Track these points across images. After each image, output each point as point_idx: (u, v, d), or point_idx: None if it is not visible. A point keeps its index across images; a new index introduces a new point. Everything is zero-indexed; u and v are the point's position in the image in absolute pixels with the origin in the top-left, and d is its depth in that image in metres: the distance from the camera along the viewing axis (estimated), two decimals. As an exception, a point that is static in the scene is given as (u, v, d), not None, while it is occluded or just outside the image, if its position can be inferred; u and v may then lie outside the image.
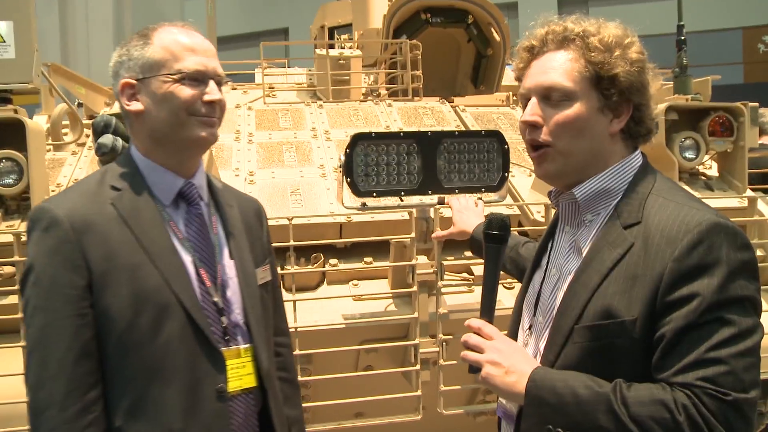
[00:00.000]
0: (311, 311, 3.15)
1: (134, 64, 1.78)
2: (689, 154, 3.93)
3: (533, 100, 1.64)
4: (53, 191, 3.57)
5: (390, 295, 3.23)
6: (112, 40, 15.44)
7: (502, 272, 2.38)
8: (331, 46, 6.75)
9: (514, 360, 1.57)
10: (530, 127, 1.64)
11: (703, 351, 1.39)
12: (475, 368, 1.62)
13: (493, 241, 1.76)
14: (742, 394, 1.37)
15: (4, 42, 3.52)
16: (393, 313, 3.15)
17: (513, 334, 1.82)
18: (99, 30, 15.39)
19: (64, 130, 4.41)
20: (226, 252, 1.91)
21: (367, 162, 2.86)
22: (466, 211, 2.68)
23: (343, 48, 6.52)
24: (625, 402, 1.40)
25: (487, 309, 1.72)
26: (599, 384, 1.45)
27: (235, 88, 5.37)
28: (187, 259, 1.79)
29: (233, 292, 1.89)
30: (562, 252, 1.71)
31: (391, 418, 3.12)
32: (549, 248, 1.79)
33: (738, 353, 1.39)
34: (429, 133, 2.93)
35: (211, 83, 1.79)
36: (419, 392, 3.01)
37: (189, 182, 1.86)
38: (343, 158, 2.81)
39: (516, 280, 2.73)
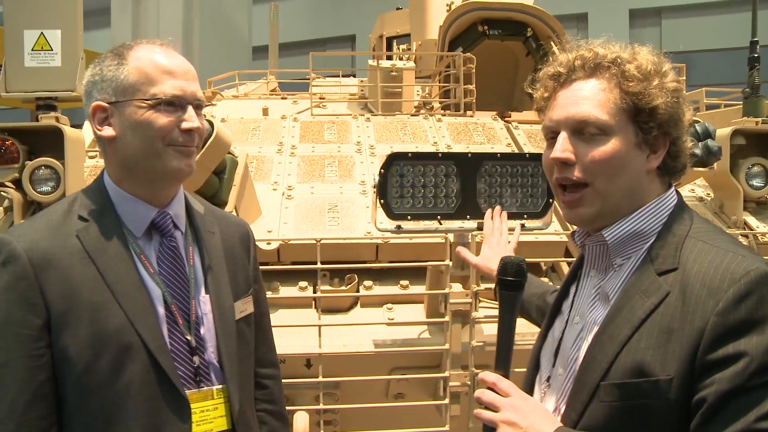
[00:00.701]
0: (341, 335, 3.04)
1: (107, 86, 1.65)
2: (757, 182, 3.68)
3: (563, 135, 1.46)
4: (91, 199, 3.57)
5: (423, 322, 3.08)
6: (180, 45, 15.81)
7: (528, 321, 2.21)
8: (389, 57, 6.69)
9: (532, 419, 1.41)
10: (560, 165, 1.47)
11: (752, 420, 1.21)
12: (490, 428, 1.46)
13: (508, 288, 1.59)
14: None
15: (52, 50, 3.54)
16: (425, 341, 3.02)
17: (529, 386, 1.66)
18: (169, 34, 15.76)
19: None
20: (201, 286, 1.79)
21: (402, 183, 2.74)
22: (497, 248, 2.48)
23: (401, 59, 6.44)
24: None
25: (503, 362, 1.56)
26: None
27: (285, 98, 5.34)
28: (157, 295, 1.68)
29: (207, 329, 1.76)
30: (587, 298, 1.54)
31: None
32: (572, 293, 1.62)
33: None
34: (469, 155, 2.79)
35: (190, 109, 1.67)
36: (447, 427, 2.86)
37: (163, 212, 1.74)
38: (377, 178, 2.69)
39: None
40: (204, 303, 1.77)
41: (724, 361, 1.25)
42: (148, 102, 1.62)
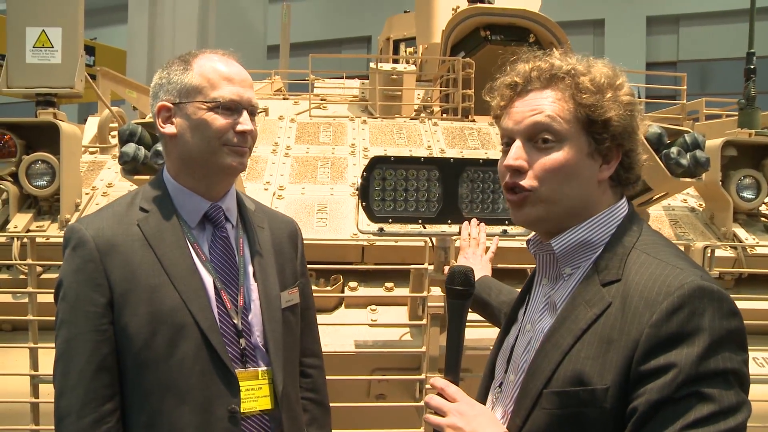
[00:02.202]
0: (324, 334, 3.06)
1: (172, 88, 1.81)
2: (748, 194, 3.68)
3: (517, 143, 1.48)
4: (87, 194, 3.64)
5: (404, 324, 3.11)
6: (195, 42, 15.87)
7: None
8: (395, 61, 6.72)
9: (476, 424, 1.44)
10: (512, 171, 1.49)
11: (677, 429, 1.23)
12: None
13: (455, 297, 1.62)
14: None
15: (52, 47, 3.62)
16: (405, 344, 3.05)
17: (484, 390, 1.68)
18: (184, 31, 15.86)
19: (113, 133, 4.51)
20: (250, 274, 1.93)
21: (384, 186, 2.77)
22: (473, 258, 2.51)
23: (407, 62, 6.46)
24: None
25: (452, 368, 1.59)
26: None
27: (287, 98, 5.38)
28: (209, 281, 1.82)
29: (254, 314, 1.90)
30: (537, 307, 1.57)
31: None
32: (526, 301, 1.65)
33: None
34: (451, 160, 2.81)
35: (244, 113, 1.82)
36: (422, 429, 2.89)
37: (215, 205, 1.89)
38: (359, 181, 2.72)
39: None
40: (252, 290, 1.92)
41: (655, 372, 1.26)
42: (208, 104, 1.78)
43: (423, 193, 2.79)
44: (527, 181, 1.46)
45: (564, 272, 1.51)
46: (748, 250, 3.50)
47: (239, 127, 1.80)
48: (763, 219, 3.82)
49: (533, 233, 1.62)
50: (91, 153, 4.19)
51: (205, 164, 1.82)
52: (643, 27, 20.06)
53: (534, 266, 3.23)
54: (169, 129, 1.82)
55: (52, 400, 1.73)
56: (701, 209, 3.92)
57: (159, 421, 1.74)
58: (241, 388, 1.81)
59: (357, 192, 2.73)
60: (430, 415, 1.51)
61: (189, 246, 1.83)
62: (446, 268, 2.65)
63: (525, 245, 3.30)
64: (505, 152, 1.52)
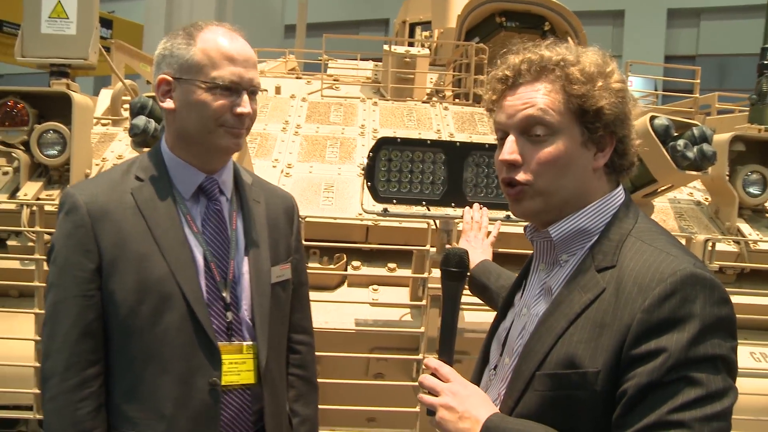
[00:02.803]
0: (326, 312, 3.11)
1: (174, 62, 1.80)
2: (754, 190, 3.67)
3: (511, 137, 1.50)
4: (97, 165, 3.68)
5: (404, 305, 3.14)
6: (213, 19, 15.85)
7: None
8: (410, 44, 6.70)
9: (468, 405, 1.47)
10: (508, 166, 1.50)
11: (665, 412, 1.25)
12: (431, 411, 1.53)
13: (450, 278, 1.66)
14: None
15: (68, 18, 3.64)
16: (404, 324, 3.08)
17: (479, 372, 1.71)
18: (202, 7, 15.84)
19: (125, 106, 4.54)
20: (242, 248, 1.92)
21: (390, 167, 2.80)
22: (475, 242, 2.53)
23: (423, 46, 6.45)
24: None
25: (446, 349, 1.63)
26: None
27: (299, 77, 5.40)
28: (198, 252, 1.83)
29: (243, 288, 1.90)
30: (534, 292, 1.59)
31: (394, 430, 3.05)
32: (523, 286, 1.67)
33: (704, 417, 1.24)
34: (457, 144, 2.83)
35: (244, 95, 1.80)
36: (418, 408, 2.93)
37: (210, 178, 1.89)
38: (365, 161, 2.75)
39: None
40: (242, 264, 1.91)
41: (645, 356, 1.29)
42: (207, 84, 1.76)
43: (428, 176, 2.81)
44: (522, 176, 1.48)
45: (561, 258, 1.53)
46: (751, 245, 3.50)
47: (238, 110, 1.78)
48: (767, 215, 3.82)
49: (528, 223, 1.65)
50: (103, 125, 4.22)
51: (202, 142, 1.82)
52: (664, 19, 19.82)
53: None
54: (168, 104, 1.81)
55: None
56: (707, 203, 3.91)
57: (140, 388, 1.77)
58: (224, 361, 1.82)
59: (363, 172, 2.75)
60: (423, 394, 1.54)
61: (181, 217, 1.83)
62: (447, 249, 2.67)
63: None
64: (501, 146, 1.53)
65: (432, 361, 1.58)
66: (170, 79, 1.80)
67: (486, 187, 2.83)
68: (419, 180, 2.81)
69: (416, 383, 2.96)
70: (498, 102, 1.55)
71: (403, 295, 3.26)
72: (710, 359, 1.27)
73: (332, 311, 3.12)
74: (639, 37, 19.24)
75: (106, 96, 4.62)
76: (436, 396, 1.51)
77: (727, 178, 3.65)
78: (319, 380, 2.90)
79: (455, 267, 1.66)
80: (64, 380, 1.72)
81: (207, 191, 1.88)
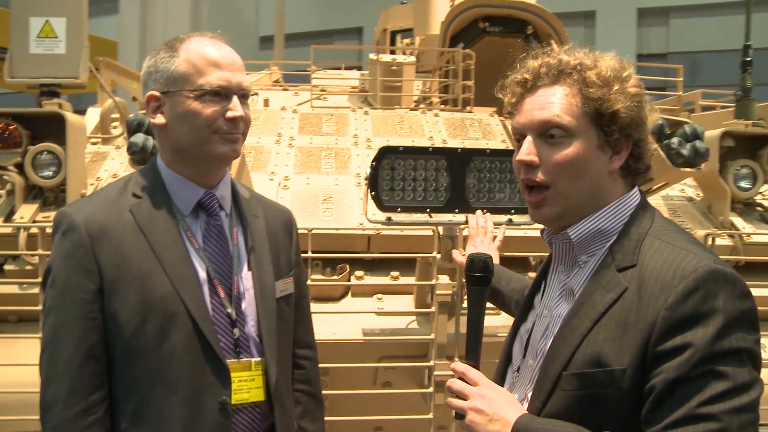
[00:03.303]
0: (332, 323, 3.11)
1: (160, 77, 1.77)
2: (744, 184, 3.74)
3: (528, 138, 1.53)
4: (92, 184, 3.65)
5: (411, 312, 3.15)
6: (188, 28, 15.82)
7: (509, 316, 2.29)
8: (392, 52, 6.74)
9: (498, 407, 1.49)
10: (525, 167, 1.53)
11: (694, 406, 1.28)
12: (460, 415, 1.54)
13: (475, 283, 1.66)
14: None
15: (56, 37, 3.62)
16: (412, 331, 3.09)
17: (501, 375, 1.73)
18: (176, 26, 15.77)
19: (114, 124, 4.51)
20: (244, 264, 1.89)
21: (393, 176, 2.81)
22: (481, 246, 2.56)
23: (404, 53, 6.48)
24: None
25: (473, 353, 1.63)
26: None
27: (286, 89, 5.40)
28: (201, 269, 1.78)
29: (248, 304, 1.86)
30: (554, 294, 1.61)
31: (407, 437, 3.06)
32: (542, 288, 1.70)
33: (732, 409, 1.28)
34: (459, 150, 2.85)
35: (234, 99, 1.76)
36: (431, 415, 2.94)
37: (209, 193, 1.85)
38: (369, 171, 2.76)
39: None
40: (246, 279, 1.88)
41: (671, 352, 1.31)
42: (195, 92, 1.73)
43: (431, 183, 2.83)
44: (540, 176, 1.51)
45: (580, 259, 1.55)
46: (745, 238, 3.56)
47: (229, 114, 1.74)
48: (759, 208, 3.89)
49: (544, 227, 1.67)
50: (93, 143, 4.19)
51: (197, 154, 1.78)
52: (634, 19, 20.14)
53: (538, 254, 3.28)
54: (159, 119, 1.78)
55: None
56: (699, 199, 3.98)
57: (147, 411, 1.70)
58: (233, 379, 1.78)
59: (366, 181, 2.76)
60: (452, 399, 1.55)
61: (182, 234, 1.79)
62: (455, 255, 2.69)
63: (527, 234, 3.36)
64: (518, 148, 1.56)
65: (459, 365, 1.59)
66: (158, 94, 1.77)
67: (488, 192, 2.86)
68: (422, 187, 2.83)
69: (426, 390, 2.97)
70: (517, 105, 1.58)
71: (407, 302, 3.27)
72: (735, 352, 1.30)
73: (339, 322, 3.12)
74: (611, 36, 19.48)
75: (93, 114, 4.58)
76: (465, 400, 1.52)
77: (718, 173, 3.71)
78: (328, 391, 2.91)
79: (480, 272, 1.67)
80: (68, 408, 1.64)
81: (206, 207, 1.85)
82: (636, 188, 1.58)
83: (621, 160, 1.52)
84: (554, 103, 1.50)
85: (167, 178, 1.83)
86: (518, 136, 1.57)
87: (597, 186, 1.52)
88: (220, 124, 1.74)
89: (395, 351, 3.12)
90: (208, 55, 1.74)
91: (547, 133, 1.50)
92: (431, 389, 2.95)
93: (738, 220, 3.69)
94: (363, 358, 3.05)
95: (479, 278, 1.67)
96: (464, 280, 1.62)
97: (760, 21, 4.36)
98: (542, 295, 1.68)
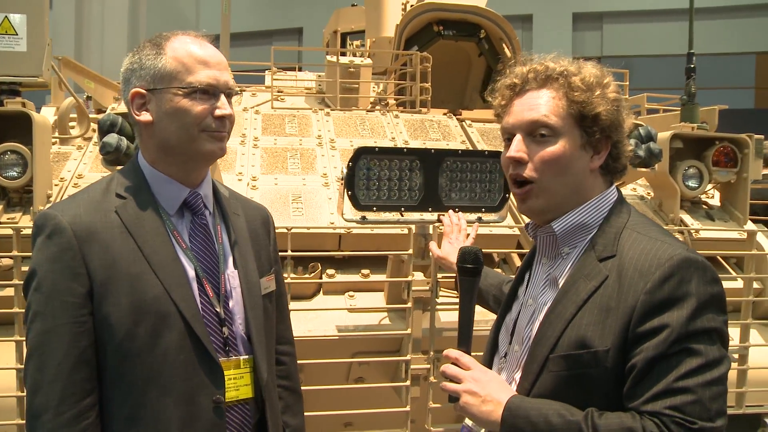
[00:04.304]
0: (306, 320, 3.16)
1: (146, 74, 1.75)
2: (692, 183, 3.95)
3: (518, 137, 1.67)
4: (56, 185, 3.59)
5: (385, 308, 3.23)
6: (126, 36, 15.47)
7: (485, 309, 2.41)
8: (344, 53, 6.79)
9: (490, 389, 1.61)
10: (514, 163, 1.67)
11: (671, 380, 1.43)
12: (454, 398, 1.66)
13: (467, 274, 1.80)
14: (709, 423, 1.41)
15: (17, 35, 3.55)
16: (386, 327, 3.16)
17: (488, 361, 1.85)
18: (113, 24, 15.42)
19: (71, 124, 4.43)
20: (230, 262, 1.89)
21: (369, 176, 2.87)
22: (456, 243, 2.68)
23: (355, 55, 6.55)
24: (596, 430, 1.44)
25: (465, 340, 1.76)
26: (572, 413, 1.49)
27: (243, 90, 5.39)
28: (190, 269, 1.78)
29: (236, 302, 1.87)
30: (539, 283, 1.75)
31: (380, 431, 3.13)
32: (526, 279, 1.82)
33: (705, 383, 1.43)
34: (432, 151, 2.94)
35: (222, 97, 1.76)
36: (408, 408, 3.02)
37: (194, 192, 1.84)
38: (345, 171, 2.82)
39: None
40: (233, 278, 1.88)
41: (651, 332, 1.46)
42: (184, 90, 1.72)
43: (405, 182, 2.91)
44: (528, 172, 1.65)
45: (563, 251, 1.70)
46: (694, 234, 3.77)
47: (218, 112, 1.74)
48: (704, 206, 4.11)
49: (529, 221, 1.80)
50: (53, 143, 4.11)
51: (185, 151, 1.77)
52: (570, 23, 20.76)
53: (503, 251, 3.41)
54: (145, 117, 1.76)
55: None
56: (650, 197, 4.18)
57: (142, 414, 1.68)
58: (224, 377, 1.78)
59: (342, 181, 2.82)
60: (447, 383, 1.68)
61: (169, 233, 1.77)
62: (432, 247, 2.78)
63: (492, 232, 3.47)
64: (507, 147, 1.70)
65: (452, 351, 1.72)
66: (144, 91, 1.75)
67: (460, 191, 2.97)
68: (397, 187, 2.91)
69: (403, 384, 3.05)
70: (506, 107, 1.73)
71: (378, 299, 3.34)
72: (707, 332, 1.47)
73: (312, 319, 3.17)
74: (547, 39, 20.05)
75: (48, 113, 4.49)
76: (459, 383, 1.65)
77: (669, 173, 3.91)
78: (305, 387, 2.95)
79: (471, 263, 1.80)
80: (59, 414, 1.61)
81: (191, 206, 1.84)
82: (614, 186, 1.73)
83: (601, 159, 1.66)
84: (542, 104, 1.64)
85: (151, 178, 1.82)
86: (507, 136, 1.71)
87: (579, 182, 1.65)
88: (208, 122, 1.74)
89: (369, 347, 3.18)
90: (196, 53, 1.75)
91: (536, 132, 1.64)
92: (408, 383, 3.03)
93: (687, 217, 3.90)
94: (337, 354, 3.10)
95: (471, 269, 1.80)
96: (453, 273, 1.71)
97: (696, 29, 4.59)
98: (527, 286, 1.81)
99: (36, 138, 3.23)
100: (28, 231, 3.01)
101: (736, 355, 3.33)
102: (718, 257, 3.82)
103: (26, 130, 3.27)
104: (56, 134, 4.23)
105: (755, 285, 3.59)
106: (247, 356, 1.87)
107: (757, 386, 3.43)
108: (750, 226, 3.92)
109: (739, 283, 3.53)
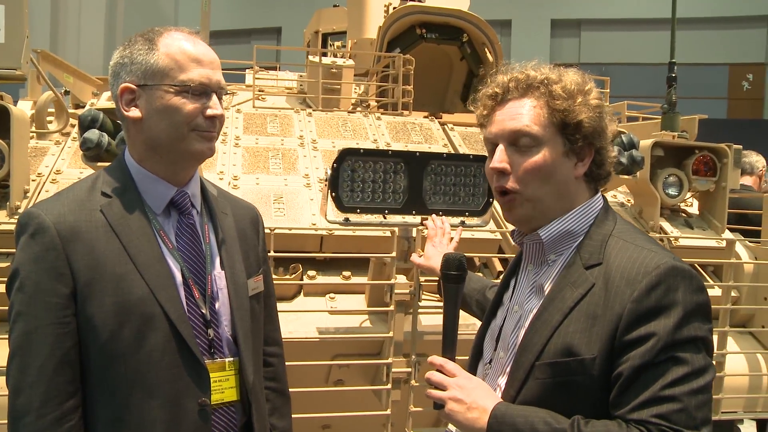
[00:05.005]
0: (286, 322, 3.12)
1: (136, 69, 1.72)
2: (672, 191, 4.00)
3: (501, 147, 1.66)
4: (33, 180, 3.53)
5: (367, 311, 3.21)
6: (103, 30, 15.27)
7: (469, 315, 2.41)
8: (326, 54, 6.77)
9: (475, 396, 1.61)
10: (498, 174, 1.66)
11: (657, 389, 1.43)
12: (439, 405, 1.65)
13: (451, 281, 1.78)
14: (694, 431, 1.42)
15: (-6, 26, 3.47)
16: (368, 330, 3.15)
17: (472, 368, 1.84)
18: (90, 18, 15.21)
19: (49, 118, 4.36)
20: (217, 262, 1.87)
21: (353, 177, 2.86)
22: (440, 247, 2.68)
23: (336, 56, 6.52)
24: None
25: (449, 346, 1.74)
26: (557, 420, 1.49)
27: (234, 93, 5.34)
28: (176, 269, 1.75)
29: (222, 303, 1.84)
30: (525, 290, 1.74)
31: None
32: (512, 286, 1.82)
33: (691, 391, 1.44)
34: (417, 154, 2.94)
35: (214, 97, 1.74)
36: (388, 411, 3.01)
37: (181, 191, 1.81)
38: (329, 172, 2.80)
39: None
40: (219, 278, 1.85)
41: (637, 341, 1.47)
42: (176, 87, 1.70)
43: (390, 185, 2.90)
44: (511, 183, 1.64)
45: (549, 258, 1.70)
46: (674, 241, 3.81)
47: (209, 112, 1.72)
48: (683, 214, 4.16)
49: (515, 228, 1.80)
50: (30, 138, 4.03)
51: (173, 150, 1.75)
52: (548, 29, 20.95)
53: (485, 255, 3.42)
54: (134, 113, 1.74)
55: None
56: (630, 204, 4.22)
57: (126, 416, 1.66)
58: (210, 379, 1.76)
59: (326, 182, 2.80)
60: (432, 390, 1.66)
61: (155, 233, 1.75)
62: (413, 258, 2.78)
63: (474, 236, 3.47)
64: (490, 156, 1.69)
65: (437, 358, 1.71)
66: (134, 87, 1.73)
67: (444, 195, 2.97)
68: (381, 189, 2.90)
69: (384, 387, 3.04)
70: (488, 116, 1.72)
71: (359, 301, 3.33)
72: (693, 340, 1.47)
73: (293, 321, 3.14)
74: (525, 45, 20.20)
75: (25, 107, 4.41)
76: (444, 390, 1.64)
77: (649, 180, 3.95)
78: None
79: (455, 270, 1.79)
80: (41, 416, 1.59)
81: (178, 205, 1.81)
82: (599, 193, 1.73)
83: (585, 166, 1.66)
84: (523, 114, 1.64)
85: (137, 176, 1.79)
86: (490, 146, 1.70)
87: (564, 190, 1.65)
88: (199, 121, 1.73)
89: (349, 349, 3.17)
90: (190, 51, 1.72)
91: (518, 141, 1.63)
92: (389, 386, 3.01)
93: (666, 225, 3.94)
94: (317, 356, 3.08)
95: (455, 276, 1.79)
96: (438, 280, 1.70)
97: (666, 38, 4.65)
98: (512, 293, 1.81)
99: (14, 132, 3.17)
100: (4, 227, 2.96)
101: (714, 362, 3.37)
102: (696, 265, 3.86)
103: (3, 124, 3.21)
104: (33, 128, 4.16)
105: (732, 293, 3.64)
106: (232, 358, 1.84)
107: (732, 393, 3.47)
108: (728, 234, 3.97)
109: (716, 291, 3.57)
